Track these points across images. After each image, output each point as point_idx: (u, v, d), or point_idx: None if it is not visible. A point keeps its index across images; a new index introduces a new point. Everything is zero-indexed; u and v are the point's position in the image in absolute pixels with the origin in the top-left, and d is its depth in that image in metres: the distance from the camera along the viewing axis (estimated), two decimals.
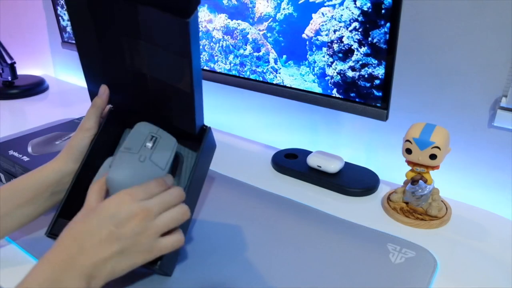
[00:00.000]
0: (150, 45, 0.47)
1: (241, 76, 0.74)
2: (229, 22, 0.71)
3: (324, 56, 0.63)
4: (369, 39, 0.57)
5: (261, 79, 0.72)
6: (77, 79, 1.38)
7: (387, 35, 0.56)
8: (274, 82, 0.70)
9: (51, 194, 0.52)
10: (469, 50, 0.63)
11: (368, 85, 0.60)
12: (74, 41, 1.04)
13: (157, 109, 0.53)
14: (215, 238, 0.57)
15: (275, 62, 0.69)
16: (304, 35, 0.64)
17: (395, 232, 0.59)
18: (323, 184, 0.71)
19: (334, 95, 0.64)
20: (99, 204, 0.41)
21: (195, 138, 0.52)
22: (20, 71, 1.32)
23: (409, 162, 0.62)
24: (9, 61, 1.19)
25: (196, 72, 0.45)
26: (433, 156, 0.58)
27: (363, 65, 0.60)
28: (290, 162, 0.77)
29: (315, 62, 0.64)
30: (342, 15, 0.59)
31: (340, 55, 0.61)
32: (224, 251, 0.54)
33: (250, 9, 0.68)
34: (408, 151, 0.60)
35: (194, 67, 0.44)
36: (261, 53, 0.70)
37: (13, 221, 0.51)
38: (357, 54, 0.60)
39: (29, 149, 0.70)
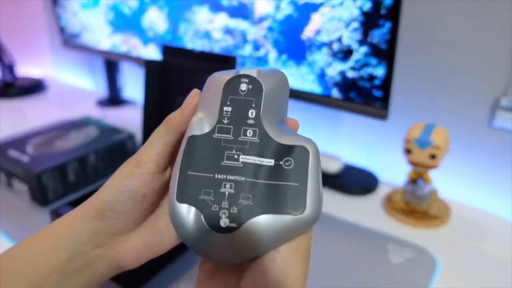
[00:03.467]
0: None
1: None
2: (229, 22, 0.71)
3: (324, 56, 0.63)
4: (369, 39, 0.57)
5: None
6: (76, 79, 1.38)
7: (388, 35, 0.56)
8: None
9: (62, 277, 0.26)
10: (469, 50, 0.63)
11: (368, 85, 0.60)
12: (74, 42, 1.04)
13: None
14: None
15: (275, 62, 0.69)
16: (304, 35, 0.64)
17: (395, 232, 0.59)
18: (323, 184, 0.71)
19: (334, 95, 0.64)
20: None
21: None
22: (20, 71, 1.32)
23: (409, 162, 0.62)
24: (8, 62, 1.19)
25: None
26: (433, 156, 0.58)
27: (363, 65, 0.60)
28: None
29: (315, 62, 0.64)
30: (342, 15, 0.59)
31: (340, 55, 0.61)
32: None
33: (250, 9, 0.68)
34: (408, 151, 0.60)
35: None
36: (261, 53, 0.70)
37: None
38: (357, 54, 0.60)
39: (29, 149, 0.70)
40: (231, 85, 0.25)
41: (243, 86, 0.25)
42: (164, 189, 0.29)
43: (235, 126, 0.24)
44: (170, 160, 0.29)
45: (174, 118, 0.28)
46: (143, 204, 0.27)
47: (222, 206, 0.22)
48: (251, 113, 0.25)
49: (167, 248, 0.29)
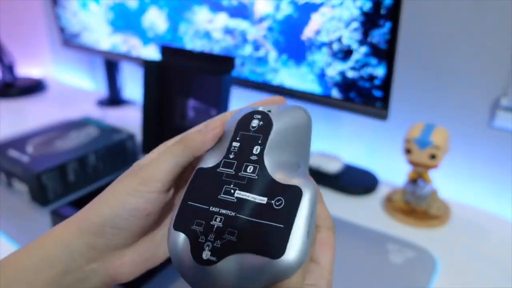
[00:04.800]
0: (194, 101, 0.60)
1: (240, 76, 0.74)
2: (229, 22, 0.71)
3: (324, 56, 0.63)
4: (369, 39, 0.57)
5: (261, 79, 0.72)
6: (76, 79, 1.38)
7: (388, 35, 0.56)
8: (274, 83, 0.70)
9: None
10: (469, 50, 0.63)
11: (368, 85, 0.60)
12: (74, 42, 1.04)
13: None
14: None
15: (275, 62, 0.69)
16: (303, 35, 0.64)
17: (395, 232, 0.59)
18: (323, 184, 0.71)
19: (334, 95, 0.64)
20: None
21: None
22: (20, 71, 1.32)
23: (409, 162, 0.62)
24: (8, 62, 1.19)
25: None
26: (433, 156, 0.58)
27: (363, 65, 0.60)
28: None
29: (315, 62, 0.64)
30: (342, 15, 0.59)
31: (340, 55, 0.61)
32: None
33: (250, 9, 0.68)
34: (408, 151, 0.60)
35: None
36: (260, 53, 0.70)
37: None
38: (357, 54, 0.60)
39: (29, 149, 0.70)
40: (244, 121, 0.26)
41: (254, 122, 0.25)
42: (168, 207, 0.29)
43: (238, 161, 0.25)
44: (177, 180, 0.28)
45: (193, 141, 0.27)
46: (147, 222, 0.27)
47: (208, 238, 0.22)
48: (256, 149, 0.25)
49: (162, 259, 0.29)
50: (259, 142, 0.25)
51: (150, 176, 0.26)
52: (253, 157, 0.24)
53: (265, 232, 0.22)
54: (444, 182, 0.67)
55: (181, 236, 0.23)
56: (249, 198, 0.23)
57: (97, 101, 1.14)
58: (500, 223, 0.62)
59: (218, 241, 0.22)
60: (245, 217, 0.22)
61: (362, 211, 0.64)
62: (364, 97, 0.61)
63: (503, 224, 0.61)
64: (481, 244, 0.57)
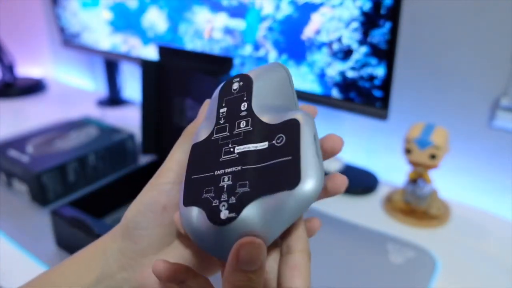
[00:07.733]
0: (192, 101, 0.60)
1: None
2: (229, 22, 0.71)
3: (324, 56, 0.63)
4: (369, 39, 0.57)
5: None
6: (76, 79, 1.38)
7: (388, 35, 0.56)
8: None
9: None
10: (469, 50, 0.63)
11: (368, 85, 0.60)
12: (74, 42, 1.04)
13: None
14: None
15: None
16: (303, 35, 0.64)
17: (395, 232, 0.59)
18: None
19: (334, 95, 0.64)
20: None
21: None
22: (20, 71, 1.32)
23: (409, 162, 0.62)
24: (8, 62, 1.19)
25: None
26: (433, 156, 0.58)
27: (363, 65, 0.60)
28: None
29: (315, 62, 0.64)
30: (342, 15, 0.59)
31: (340, 55, 0.61)
32: None
33: (250, 9, 0.68)
34: (408, 151, 0.60)
35: None
36: (260, 53, 0.70)
37: None
38: (357, 54, 0.60)
39: (29, 149, 0.70)
40: (225, 88, 0.26)
41: (235, 85, 0.26)
42: None
43: (230, 123, 0.25)
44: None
45: (188, 128, 0.28)
46: (165, 218, 0.26)
47: (222, 199, 0.21)
48: (243, 105, 0.25)
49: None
50: (244, 98, 0.25)
51: (163, 168, 0.27)
52: (243, 113, 0.24)
53: (275, 170, 0.21)
54: (444, 182, 0.67)
55: (194, 209, 0.22)
56: (250, 148, 0.23)
57: (97, 101, 1.14)
58: (500, 223, 0.62)
59: (232, 197, 0.21)
60: (251, 166, 0.22)
61: (362, 211, 0.64)
62: (364, 97, 0.61)
63: (503, 224, 0.61)
64: (481, 244, 0.57)
